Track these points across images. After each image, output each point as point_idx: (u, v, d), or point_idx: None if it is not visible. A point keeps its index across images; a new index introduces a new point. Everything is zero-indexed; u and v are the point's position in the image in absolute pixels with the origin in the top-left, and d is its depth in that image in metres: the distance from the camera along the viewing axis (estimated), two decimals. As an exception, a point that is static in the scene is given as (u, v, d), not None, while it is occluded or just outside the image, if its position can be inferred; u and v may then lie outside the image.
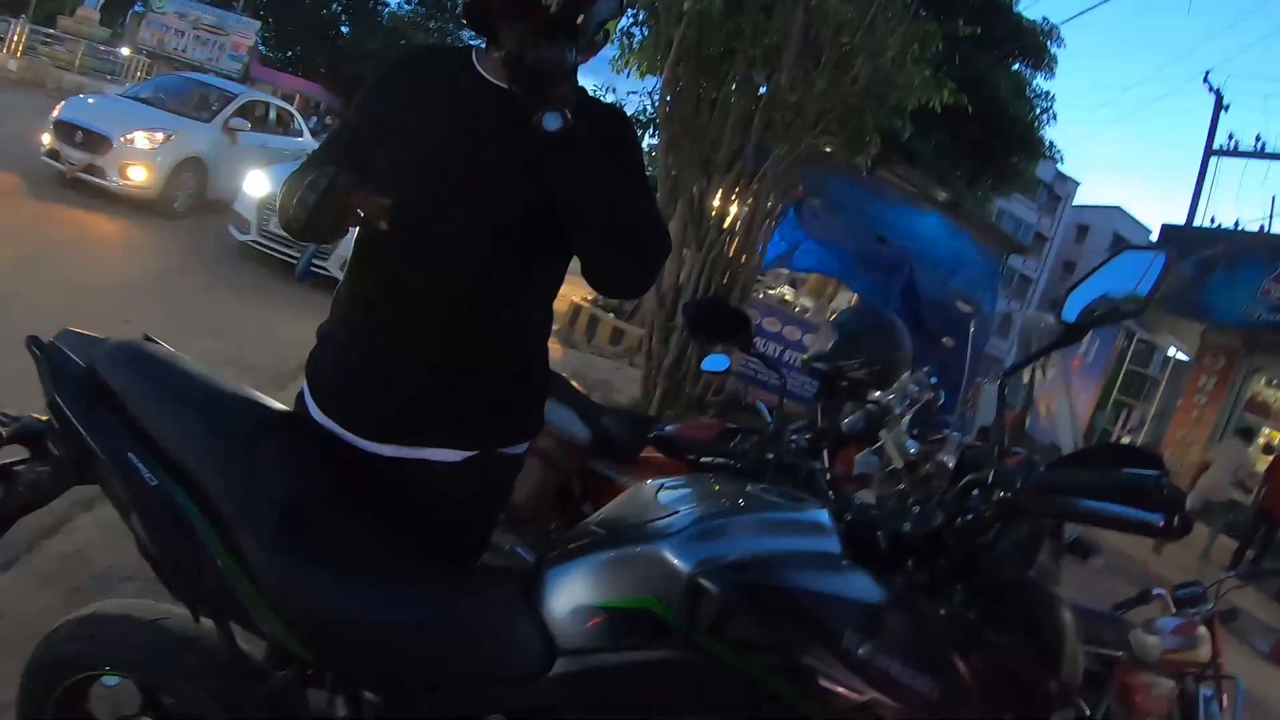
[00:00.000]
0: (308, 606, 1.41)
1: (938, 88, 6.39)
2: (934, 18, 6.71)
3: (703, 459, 2.17)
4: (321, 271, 8.62)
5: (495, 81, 1.67)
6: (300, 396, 1.79)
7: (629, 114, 6.72)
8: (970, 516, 1.49)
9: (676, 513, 1.50)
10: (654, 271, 1.71)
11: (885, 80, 6.13)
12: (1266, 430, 13.65)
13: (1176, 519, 1.33)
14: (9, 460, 1.59)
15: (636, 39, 6.93)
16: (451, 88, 1.71)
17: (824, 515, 1.53)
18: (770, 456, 2.14)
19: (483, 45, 1.69)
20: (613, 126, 1.74)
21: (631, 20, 6.61)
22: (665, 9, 6.16)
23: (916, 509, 1.68)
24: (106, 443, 1.49)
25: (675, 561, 1.36)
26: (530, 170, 1.58)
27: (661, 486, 1.64)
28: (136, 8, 31.09)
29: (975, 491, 1.52)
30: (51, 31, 24.33)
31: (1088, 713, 3.00)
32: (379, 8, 40.91)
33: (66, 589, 2.75)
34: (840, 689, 1.32)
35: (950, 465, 1.77)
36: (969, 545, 1.47)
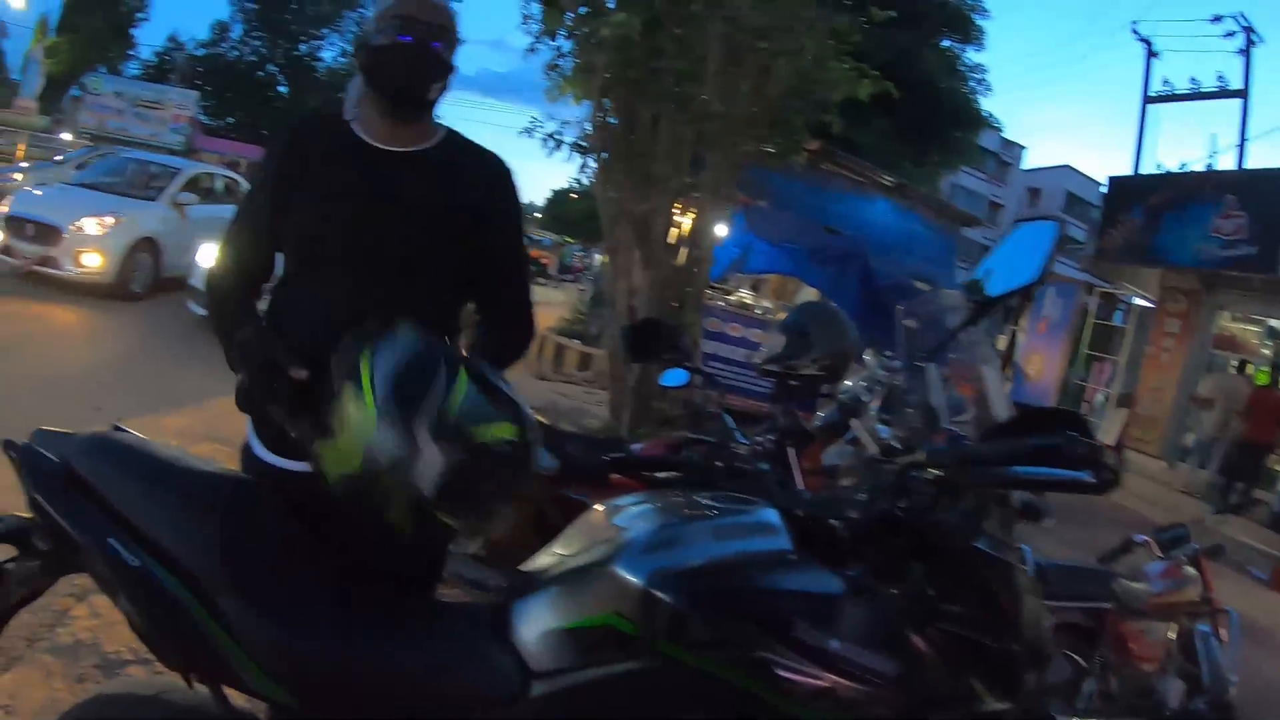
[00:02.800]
0: (291, 659, 1.47)
1: (860, 80, 6.47)
2: (853, 6, 6.80)
3: (657, 475, 2.26)
4: None
5: (380, 146, 1.90)
6: (245, 448, 1.94)
7: (571, 140, 6.73)
8: (913, 497, 1.58)
9: (627, 530, 1.58)
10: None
11: (807, 80, 6.21)
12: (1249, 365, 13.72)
13: (1106, 473, 1.44)
14: None
15: (566, 69, 6.97)
16: (350, 149, 1.90)
17: (772, 515, 1.60)
18: (719, 464, 2.23)
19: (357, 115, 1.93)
20: (503, 180, 2.01)
21: (556, 53, 6.64)
22: (584, 37, 6.21)
23: (864, 496, 1.77)
24: (87, 532, 1.53)
25: (628, 576, 1.44)
26: (425, 217, 1.86)
27: (612, 508, 1.72)
28: (73, 92, 30.86)
29: (913, 473, 1.61)
30: (-9, 127, 24.18)
31: (1084, 665, 3.12)
32: (313, 64, 40.55)
33: (72, 678, 2.80)
34: (799, 678, 1.39)
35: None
36: (917, 524, 1.55)
